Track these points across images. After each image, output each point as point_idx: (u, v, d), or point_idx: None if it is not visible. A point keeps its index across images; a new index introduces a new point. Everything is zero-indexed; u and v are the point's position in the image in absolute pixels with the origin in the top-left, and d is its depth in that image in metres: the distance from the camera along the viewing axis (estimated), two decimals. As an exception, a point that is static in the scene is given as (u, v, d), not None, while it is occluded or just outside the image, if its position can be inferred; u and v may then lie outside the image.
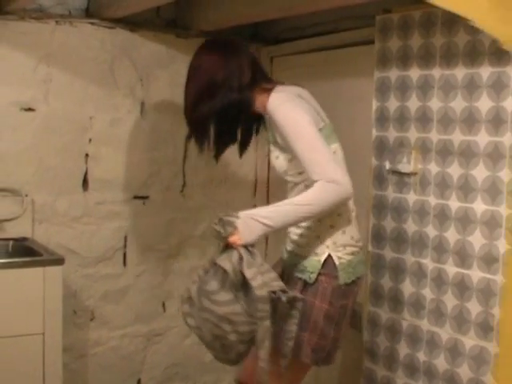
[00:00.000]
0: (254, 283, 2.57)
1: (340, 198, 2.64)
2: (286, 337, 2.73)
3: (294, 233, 2.92)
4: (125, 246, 4.06)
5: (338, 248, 2.83)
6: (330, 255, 2.82)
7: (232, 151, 4.23)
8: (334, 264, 2.82)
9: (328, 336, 2.86)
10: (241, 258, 2.62)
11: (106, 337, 4.02)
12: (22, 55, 3.66)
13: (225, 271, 2.64)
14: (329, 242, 2.83)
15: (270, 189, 4.30)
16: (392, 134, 3.21)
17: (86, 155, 3.89)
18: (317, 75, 3.81)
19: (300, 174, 2.81)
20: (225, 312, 2.65)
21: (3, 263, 3.28)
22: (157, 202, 4.14)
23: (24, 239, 3.69)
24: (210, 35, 4.05)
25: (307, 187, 2.71)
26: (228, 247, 2.69)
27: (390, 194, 3.24)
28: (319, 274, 2.82)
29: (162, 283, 4.17)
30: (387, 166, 3.24)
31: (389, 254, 3.25)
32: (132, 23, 3.91)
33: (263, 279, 2.59)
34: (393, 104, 3.20)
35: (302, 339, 2.82)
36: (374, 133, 3.32)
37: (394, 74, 3.19)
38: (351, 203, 2.88)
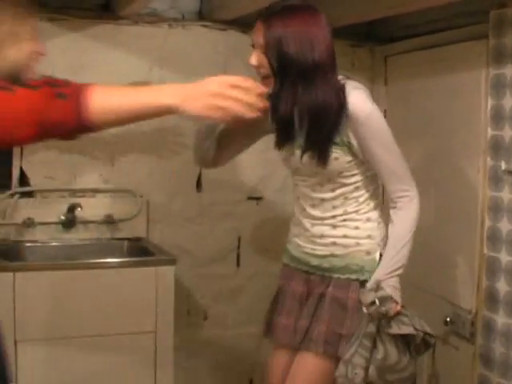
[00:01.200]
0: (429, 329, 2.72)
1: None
2: None
3: (331, 235, 2.72)
4: (238, 247, 4.09)
5: (384, 243, 2.71)
6: (380, 253, 2.70)
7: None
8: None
9: None
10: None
11: (219, 336, 4.06)
12: (136, 58, 3.74)
13: (409, 335, 2.65)
14: (379, 239, 2.71)
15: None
16: (508, 133, 3.09)
17: (201, 156, 3.93)
18: (430, 72, 3.72)
19: (354, 175, 2.68)
20: (410, 372, 2.68)
21: (118, 262, 3.37)
22: (270, 203, 4.14)
23: (139, 239, 3.78)
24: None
25: (357, 189, 2.69)
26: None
27: (506, 195, 3.12)
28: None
29: (274, 284, 4.15)
30: (503, 166, 3.12)
31: (505, 257, 3.13)
32: (244, 24, 3.91)
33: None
34: (509, 102, 3.08)
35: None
36: (490, 132, 3.20)
37: (509, 70, 3.07)
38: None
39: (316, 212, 2.72)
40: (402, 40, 3.99)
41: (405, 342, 2.63)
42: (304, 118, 2.53)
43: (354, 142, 2.58)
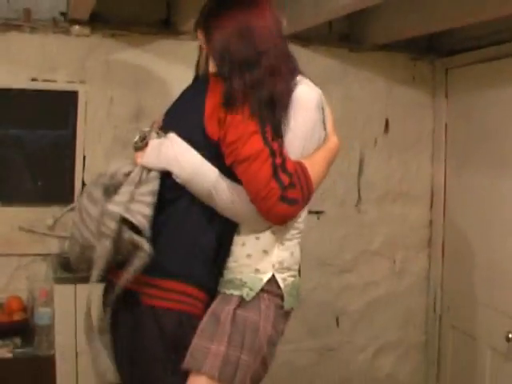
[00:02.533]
0: (117, 197, 2.19)
1: None
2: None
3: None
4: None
5: (284, 270, 2.32)
6: (273, 275, 2.30)
7: (407, 165, 4.22)
8: (279, 285, 2.31)
9: (267, 366, 2.37)
10: (128, 174, 2.25)
11: (278, 350, 4.01)
12: (196, 74, 3.77)
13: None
14: (275, 260, 2.31)
15: (447, 202, 4.17)
16: None
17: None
18: (491, 85, 3.68)
19: None
20: (85, 207, 2.26)
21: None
22: (331, 217, 4.12)
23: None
24: (384, 49, 4.04)
25: None
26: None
27: None
28: (261, 290, 2.29)
29: (335, 298, 4.15)
30: None
31: None
32: (305, 39, 3.93)
33: (130, 203, 2.19)
34: None
35: (240, 364, 2.26)
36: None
37: None
38: (304, 224, 2.42)
39: None
40: (462, 52, 3.95)
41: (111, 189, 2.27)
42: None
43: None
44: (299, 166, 2.15)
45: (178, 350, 2.19)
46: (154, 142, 2.29)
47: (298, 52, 3.86)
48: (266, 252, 2.30)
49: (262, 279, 2.28)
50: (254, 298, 2.27)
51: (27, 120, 3.57)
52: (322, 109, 2.41)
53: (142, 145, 2.31)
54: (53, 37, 3.56)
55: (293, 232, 2.33)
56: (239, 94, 2.16)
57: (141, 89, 3.70)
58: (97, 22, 3.55)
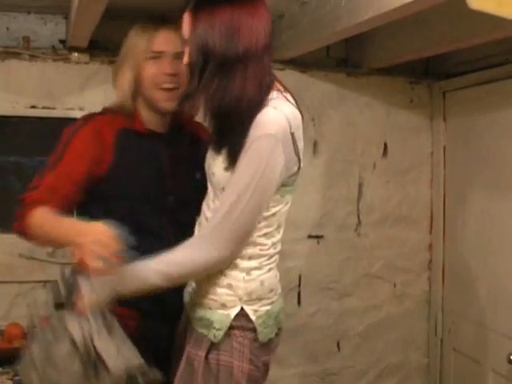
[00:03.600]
0: (110, 362, 2.04)
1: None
2: None
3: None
4: (299, 286, 4.07)
5: (254, 301, 2.21)
6: (242, 308, 2.20)
7: (407, 188, 4.22)
8: (249, 318, 2.20)
9: None
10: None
11: (279, 375, 4.02)
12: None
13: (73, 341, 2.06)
14: (242, 292, 2.19)
15: (447, 225, 4.18)
16: None
17: (260, 195, 3.94)
18: (489, 107, 3.70)
19: None
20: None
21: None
22: (331, 241, 4.13)
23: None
24: (382, 73, 4.06)
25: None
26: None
27: None
28: (230, 327, 2.19)
29: (336, 322, 4.14)
30: None
31: None
32: (302, 64, 3.95)
33: (121, 355, 2.07)
34: None
35: None
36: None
37: None
38: (278, 246, 2.28)
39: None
40: (459, 75, 3.98)
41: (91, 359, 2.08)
42: (214, 116, 2.14)
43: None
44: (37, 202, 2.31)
45: None
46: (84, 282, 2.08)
47: (296, 77, 3.96)
48: (230, 286, 2.19)
49: (229, 315, 2.19)
50: (224, 337, 2.18)
51: (27, 147, 3.58)
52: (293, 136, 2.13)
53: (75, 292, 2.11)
54: (52, 64, 3.58)
55: (261, 260, 2.19)
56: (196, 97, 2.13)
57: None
58: (95, 49, 3.58)
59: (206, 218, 2.24)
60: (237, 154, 2.08)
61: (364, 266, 4.20)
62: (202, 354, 2.19)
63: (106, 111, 2.56)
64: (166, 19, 2.50)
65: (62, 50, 3.60)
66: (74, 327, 2.06)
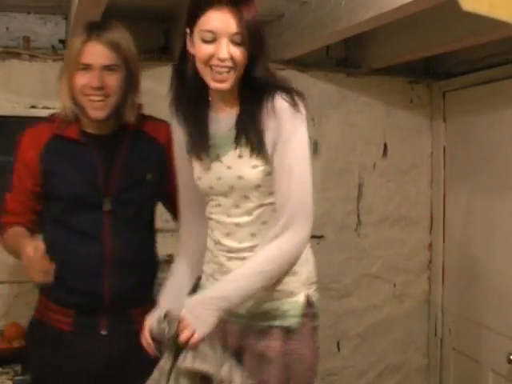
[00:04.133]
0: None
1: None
2: None
3: None
4: (299, 285, 4.06)
5: (312, 285, 2.27)
6: (307, 294, 2.24)
7: (406, 188, 4.22)
8: (313, 303, 2.25)
9: None
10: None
11: (280, 376, 4.03)
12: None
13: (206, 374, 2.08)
14: (304, 277, 2.25)
15: (447, 225, 4.18)
16: None
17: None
18: (489, 107, 3.70)
19: (272, 193, 2.21)
20: None
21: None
22: (331, 241, 4.12)
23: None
24: (382, 73, 4.06)
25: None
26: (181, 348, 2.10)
27: None
28: (302, 315, 2.23)
29: (336, 322, 4.14)
30: None
31: None
32: (302, 64, 3.95)
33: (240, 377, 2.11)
34: None
35: None
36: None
37: None
38: None
39: (232, 242, 2.26)
40: (459, 76, 3.98)
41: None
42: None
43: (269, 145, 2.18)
44: None
45: None
46: (186, 315, 2.09)
47: (296, 77, 3.95)
48: (294, 272, 2.20)
49: (298, 301, 2.22)
50: (297, 324, 2.21)
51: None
52: None
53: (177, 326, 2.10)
54: (52, 64, 3.57)
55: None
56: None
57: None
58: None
59: (237, 224, 2.23)
60: (261, 143, 2.11)
61: (364, 266, 4.20)
62: (276, 344, 2.20)
63: (49, 118, 2.66)
64: (103, 27, 2.53)
65: (61, 50, 3.59)
66: (202, 364, 2.08)
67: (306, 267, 2.26)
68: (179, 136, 2.33)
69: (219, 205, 2.26)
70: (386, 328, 4.23)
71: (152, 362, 2.22)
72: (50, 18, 3.62)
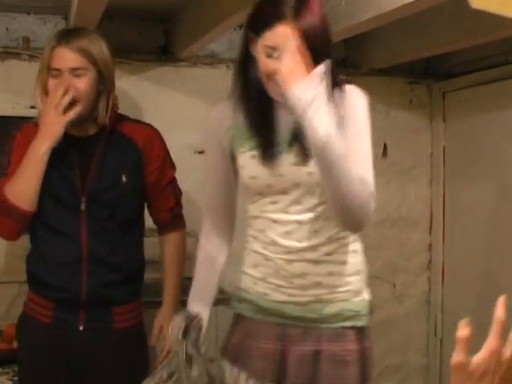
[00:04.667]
0: None
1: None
2: None
3: (316, 273, 2.18)
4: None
5: (366, 281, 2.29)
6: (369, 291, 2.28)
7: (406, 188, 4.22)
8: (370, 300, 2.28)
9: None
10: None
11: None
12: (195, 100, 3.79)
13: None
14: (364, 275, 2.28)
15: (446, 225, 4.17)
16: None
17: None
18: (489, 108, 3.70)
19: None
20: None
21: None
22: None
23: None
24: (381, 73, 4.06)
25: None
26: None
27: None
28: (369, 313, 2.26)
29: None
30: None
31: None
32: (302, 64, 3.95)
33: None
34: None
35: None
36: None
37: None
38: None
39: (291, 242, 2.18)
40: (459, 76, 3.98)
41: None
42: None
43: None
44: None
45: None
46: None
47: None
48: (358, 271, 2.24)
49: (365, 299, 2.24)
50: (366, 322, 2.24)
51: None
52: None
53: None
54: (52, 65, 3.57)
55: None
56: None
57: (139, 116, 3.70)
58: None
59: (299, 221, 2.18)
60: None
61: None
62: (353, 347, 2.19)
63: (36, 121, 2.72)
64: (73, 34, 2.61)
65: (61, 51, 3.59)
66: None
67: (364, 266, 2.28)
68: (224, 137, 2.28)
69: (275, 202, 2.20)
70: (385, 328, 4.22)
71: (126, 359, 2.52)
72: (49, 19, 3.62)
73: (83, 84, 2.57)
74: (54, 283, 2.62)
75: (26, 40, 3.56)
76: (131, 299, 2.73)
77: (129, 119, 2.83)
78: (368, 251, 4.10)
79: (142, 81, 3.72)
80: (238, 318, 2.34)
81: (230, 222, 2.42)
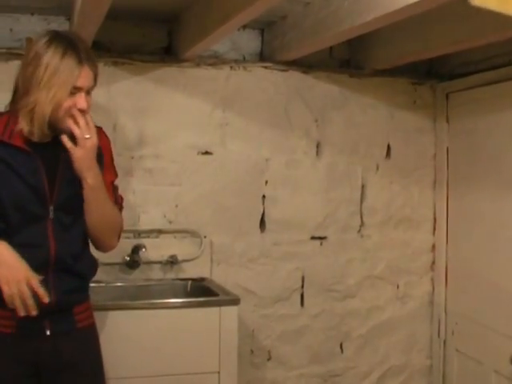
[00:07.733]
0: None
1: None
2: None
3: None
4: (302, 287, 4.07)
5: None
6: None
7: (410, 189, 4.21)
8: None
9: None
10: None
11: (283, 377, 4.03)
12: (199, 101, 3.80)
13: None
14: None
15: (450, 226, 4.17)
16: None
17: (263, 197, 3.95)
18: (492, 109, 3.69)
19: None
20: None
21: (182, 303, 3.37)
22: (334, 243, 4.12)
23: (202, 279, 3.79)
24: (385, 74, 4.06)
25: None
26: None
27: None
28: None
29: (339, 324, 4.13)
30: None
31: None
32: (305, 65, 3.95)
33: None
34: None
35: None
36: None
37: None
38: None
39: None
40: (463, 77, 3.97)
41: None
42: None
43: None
44: None
45: None
46: None
47: (299, 78, 3.97)
48: None
49: None
50: None
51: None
52: None
53: None
54: (55, 65, 3.57)
55: None
56: None
57: (143, 116, 3.72)
58: (99, 50, 3.57)
59: None
60: None
61: (367, 267, 4.19)
62: None
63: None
64: (87, 49, 2.53)
65: (65, 51, 3.59)
66: None
67: None
68: None
69: None
70: (389, 329, 4.22)
71: (91, 355, 2.51)
72: (53, 20, 3.62)
73: (90, 101, 2.51)
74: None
75: (30, 41, 3.55)
76: (87, 298, 2.71)
77: None
78: (371, 252, 4.16)
79: (146, 81, 3.72)
80: None
81: None
